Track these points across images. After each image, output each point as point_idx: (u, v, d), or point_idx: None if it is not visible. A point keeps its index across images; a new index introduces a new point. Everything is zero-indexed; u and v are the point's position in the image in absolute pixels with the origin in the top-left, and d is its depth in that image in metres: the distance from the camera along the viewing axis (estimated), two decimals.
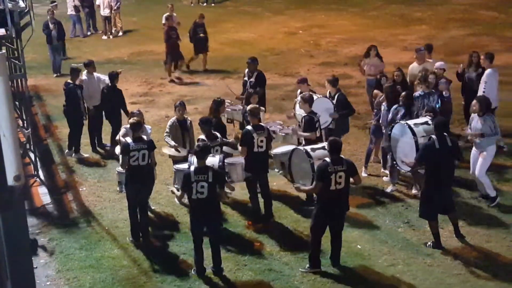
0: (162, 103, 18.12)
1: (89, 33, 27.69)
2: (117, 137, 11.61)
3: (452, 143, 9.91)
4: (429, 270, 9.54)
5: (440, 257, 9.85)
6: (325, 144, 10.05)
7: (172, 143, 11.60)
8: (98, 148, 14.72)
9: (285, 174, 11.51)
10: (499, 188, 12.02)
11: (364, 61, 15.50)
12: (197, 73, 21.02)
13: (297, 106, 12.46)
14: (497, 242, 10.25)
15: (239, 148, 11.03)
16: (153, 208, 11.66)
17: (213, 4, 33.33)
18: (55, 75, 21.23)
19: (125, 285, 9.50)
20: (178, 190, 9.93)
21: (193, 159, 9.74)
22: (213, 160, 9.77)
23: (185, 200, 10.05)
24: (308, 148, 10.51)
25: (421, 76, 13.04)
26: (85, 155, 14.39)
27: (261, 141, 10.84)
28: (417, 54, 14.67)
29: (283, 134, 12.18)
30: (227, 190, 10.44)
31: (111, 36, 27.22)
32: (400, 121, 11.22)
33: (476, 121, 11.07)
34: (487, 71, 13.62)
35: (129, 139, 10.38)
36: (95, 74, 14.94)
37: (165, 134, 11.79)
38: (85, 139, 14.76)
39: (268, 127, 11.41)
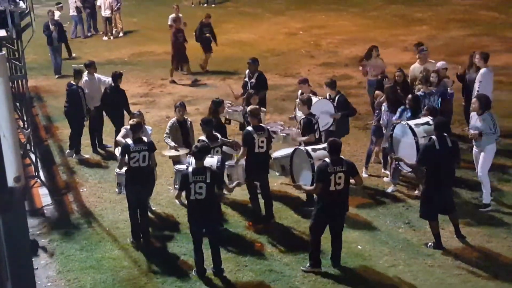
0: (162, 103, 18.12)
1: (89, 34, 27.72)
2: (117, 138, 11.60)
3: (452, 144, 9.91)
4: (430, 270, 9.54)
5: (441, 258, 9.85)
6: (325, 145, 10.04)
7: (172, 144, 11.60)
8: (98, 149, 14.72)
9: (286, 176, 11.50)
10: (500, 188, 12.03)
11: (366, 63, 15.47)
12: (198, 74, 20.99)
13: (297, 107, 12.46)
14: (498, 242, 10.24)
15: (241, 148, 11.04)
16: (153, 209, 11.66)
17: (213, 5, 33.34)
18: (56, 76, 21.23)
19: (125, 286, 9.50)
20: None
21: (191, 160, 9.75)
22: (211, 161, 9.77)
23: (183, 199, 10.04)
24: (309, 148, 10.51)
25: (422, 76, 13.05)
26: (86, 156, 14.39)
27: (262, 141, 10.85)
28: (420, 54, 14.64)
29: (284, 134, 12.17)
30: (225, 192, 10.46)
31: (111, 37, 27.24)
32: (401, 122, 11.23)
33: (475, 120, 11.07)
34: (482, 70, 13.63)
35: (129, 141, 10.37)
36: (96, 75, 14.94)
37: (165, 135, 11.79)
38: (85, 140, 14.77)
39: (268, 127, 11.41)
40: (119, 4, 27.37)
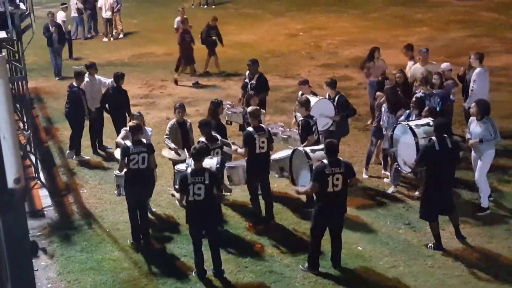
0: (162, 105, 18.13)
1: (89, 35, 27.74)
2: (116, 140, 11.59)
3: (452, 145, 9.91)
4: (430, 271, 9.54)
5: (441, 259, 9.84)
6: None
7: (172, 145, 11.59)
8: (99, 150, 14.72)
9: (285, 177, 11.50)
10: (500, 189, 12.02)
11: (368, 65, 15.45)
12: (199, 76, 20.99)
13: (296, 109, 12.47)
14: (498, 243, 10.24)
15: (242, 149, 11.04)
16: (153, 210, 11.66)
17: (213, 6, 33.35)
18: (57, 78, 21.23)
19: (126, 287, 9.50)
20: (177, 192, 9.91)
21: (190, 161, 9.75)
22: (210, 162, 9.77)
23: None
24: (308, 149, 10.53)
25: (422, 77, 13.04)
26: (86, 158, 14.39)
27: (263, 142, 10.85)
28: (420, 55, 14.65)
29: (285, 136, 12.17)
30: (225, 193, 10.46)
31: (111, 38, 27.25)
32: (401, 122, 11.23)
33: (474, 125, 10.99)
34: (477, 70, 13.65)
35: (128, 142, 10.37)
36: (96, 76, 14.95)
37: (165, 136, 11.79)
38: (86, 141, 14.77)
39: (269, 128, 11.42)
40: (119, 6, 27.40)
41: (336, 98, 12.67)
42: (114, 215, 11.67)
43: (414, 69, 14.62)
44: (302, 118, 11.49)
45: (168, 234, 10.93)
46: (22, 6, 12.78)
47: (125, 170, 10.38)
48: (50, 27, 21.21)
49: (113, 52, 24.95)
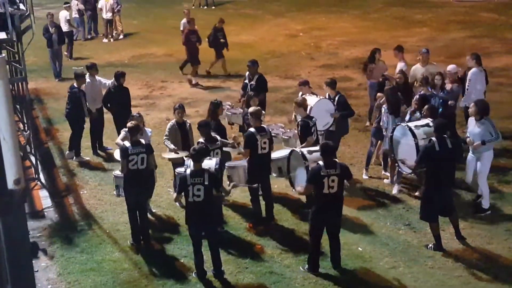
0: (163, 105, 18.13)
1: (89, 36, 27.74)
2: (116, 141, 11.59)
3: (452, 145, 9.90)
4: (430, 272, 9.53)
5: (441, 259, 9.84)
6: None
7: (172, 146, 11.59)
8: (99, 151, 14.72)
9: (283, 177, 11.49)
10: (500, 190, 12.02)
11: (370, 66, 15.45)
12: (202, 77, 20.99)
13: (294, 110, 12.46)
14: (499, 243, 10.24)
15: (242, 150, 11.04)
16: (154, 211, 11.66)
17: (213, 7, 33.37)
18: (56, 79, 21.22)
19: None
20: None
21: (190, 162, 9.75)
22: (209, 163, 9.77)
23: (183, 201, 10.06)
24: (304, 150, 10.56)
25: (422, 78, 13.05)
26: (86, 158, 14.39)
27: (264, 142, 10.86)
28: (421, 55, 14.66)
29: (286, 137, 12.18)
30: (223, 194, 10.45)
31: (111, 39, 27.25)
32: (401, 123, 11.23)
33: (473, 126, 10.96)
34: (472, 69, 13.71)
35: (127, 143, 10.37)
36: (97, 77, 14.95)
37: (165, 137, 11.78)
38: (86, 142, 14.77)
39: (270, 129, 11.42)
40: (119, 7, 27.41)
41: (336, 98, 12.67)
42: (114, 216, 11.67)
43: (414, 69, 14.62)
44: (301, 119, 11.48)
45: (168, 235, 10.93)
46: (22, 7, 12.78)
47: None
48: (50, 28, 21.18)
49: (113, 53, 24.95)
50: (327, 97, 12.76)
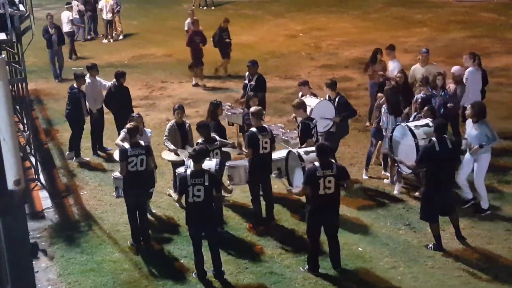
0: (162, 106, 18.13)
1: (89, 36, 27.73)
2: (116, 142, 11.59)
3: (452, 145, 9.91)
4: (430, 272, 9.53)
5: (441, 259, 9.84)
6: None
7: (172, 146, 11.59)
8: (99, 152, 14.72)
9: (283, 177, 11.49)
10: (500, 190, 12.02)
11: (373, 67, 15.44)
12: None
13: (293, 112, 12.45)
14: (499, 243, 10.24)
15: (245, 150, 11.03)
16: (154, 211, 11.66)
17: (213, 8, 33.37)
18: (56, 80, 21.22)
19: None
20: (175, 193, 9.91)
21: (190, 162, 9.75)
22: (209, 164, 9.77)
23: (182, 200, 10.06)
24: (301, 151, 10.57)
25: (422, 78, 13.04)
26: (86, 159, 14.39)
27: (266, 142, 10.86)
28: (420, 55, 14.67)
29: (286, 138, 12.18)
30: (224, 194, 10.45)
31: (111, 40, 27.25)
32: (401, 124, 11.23)
33: (470, 128, 10.95)
34: (469, 69, 13.76)
35: (126, 145, 10.36)
36: (97, 78, 14.95)
37: (165, 137, 11.78)
38: (85, 143, 14.78)
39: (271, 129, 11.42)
40: (118, 7, 27.42)
41: (337, 99, 12.65)
42: (114, 216, 11.67)
43: (414, 69, 14.63)
44: (301, 121, 11.46)
45: (168, 236, 10.93)
46: (21, 7, 12.78)
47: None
48: (50, 29, 21.16)
49: (113, 53, 24.95)
50: (327, 98, 12.74)
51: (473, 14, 29.18)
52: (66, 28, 23.98)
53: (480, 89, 13.95)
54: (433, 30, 26.52)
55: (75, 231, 11.28)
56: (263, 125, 11.13)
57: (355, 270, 9.70)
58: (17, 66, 14.07)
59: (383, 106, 12.25)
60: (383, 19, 29.43)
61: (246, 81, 14.69)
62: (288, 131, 12.57)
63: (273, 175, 11.43)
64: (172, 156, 11.62)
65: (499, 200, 11.62)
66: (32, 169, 13.33)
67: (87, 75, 14.72)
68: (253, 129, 10.91)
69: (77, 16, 26.74)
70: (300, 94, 13.30)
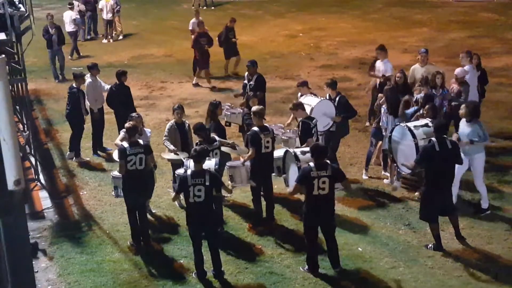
0: (162, 106, 18.13)
1: (89, 36, 27.74)
2: (115, 141, 11.59)
3: (452, 146, 9.91)
4: (430, 272, 9.53)
5: (441, 259, 9.84)
6: None
7: (172, 147, 11.58)
8: (99, 152, 14.72)
9: (281, 176, 11.49)
10: (500, 190, 12.03)
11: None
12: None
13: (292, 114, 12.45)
14: (498, 243, 10.24)
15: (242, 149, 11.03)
16: (154, 211, 11.66)
17: (213, 8, 33.38)
18: (56, 80, 21.21)
19: None
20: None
21: (190, 162, 9.74)
22: (209, 163, 9.78)
23: (182, 201, 10.05)
24: (298, 151, 10.58)
25: (422, 78, 13.05)
26: (86, 159, 14.39)
27: (268, 141, 10.86)
28: (420, 56, 14.67)
29: (286, 138, 12.18)
30: (224, 193, 10.45)
31: (111, 40, 27.26)
32: (400, 124, 11.22)
33: (463, 126, 10.95)
34: (465, 67, 13.77)
35: (125, 144, 10.36)
36: (98, 78, 14.96)
37: (164, 138, 11.77)
38: (85, 143, 14.78)
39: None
40: (118, 7, 27.43)
41: (337, 99, 12.65)
42: (114, 216, 11.67)
43: (413, 70, 14.63)
44: (302, 120, 11.45)
45: (168, 236, 10.93)
46: (21, 7, 12.77)
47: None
48: (50, 29, 21.16)
49: (113, 53, 24.95)
50: (327, 97, 12.74)
51: (473, 14, 29.19)
52: (69, 28, 24.02)
53: (476, 87, 13.99)
54: (433, 30, 26.52)
55: (75, 231, 11.27)
56: (265, 124, 11.13)
57: (355, 270, 9.70)
58: (17, 66, 14.06)
59: (383, 106, 12.25)
60: (383, 19, 29.43)
61: (246, 81, 14.69)
62: (288, 130, 12.57)
63: (273, 174, 11.43)
64: (172, 156, 11.62)
65: (499, 200, 11.63)
66: (32, 169, 13.33)
67: (88, 75, 14.74)
68: (255, 128, 10.90)
69: (78, 16, 26.76)
70: (299, 94, 13.31)
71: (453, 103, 12.88)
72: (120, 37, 27.67)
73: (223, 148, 11.17)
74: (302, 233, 10.68)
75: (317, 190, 9.10)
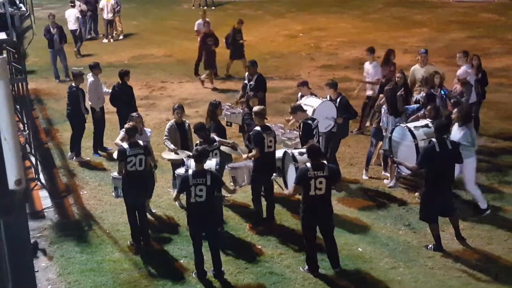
0: (162, 106, 18.13)
1: (89, 36, 27.73)
2: (115, 141, 11.59)
3: (452, 146, 9.91)
4: (430, 272, 9.54)
5: (441, 260, 9.84)
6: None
7: (172, 146, 11.58)
8: (99, 152, 14.73)
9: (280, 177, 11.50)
10: (501, 190, 12.03)
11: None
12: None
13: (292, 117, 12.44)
14: (498, 244, 10.24)
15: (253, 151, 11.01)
16: (154, 211, 11.66)
17: (213, 8, 33.38)
18: (57, 80, 21.21)
19: None
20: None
21: (191, 162, 9.74)
22: (210, 163, 9.78)
23: (183, 201, 10.04)
24: (296, 152, 10.58)
25: (422, 78, 13.05)
26: (86, 159, 14.40)
27: (270, 141, 10.86)
28: (419, 56, 14.69)
29: (285, 138, 12.18)
30: (225, 194, 10.44)
31: (111, 40, 27.26)
32: (400, 124, 11.23)
33: (455, 130, 10.96)
34: (462, 67, 13.80)
35: (125, 145, 10.36)
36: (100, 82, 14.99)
37: (165, 137, 11.78)
38: (86, 142, 14.78)
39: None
40: (118, 7, 27.43)
41: (338, 100, 12.63)
42: (114, 216, 11.67)
43: (413, 70, 14.65)
44: (303, 121, 11.43)
45: (168, 235, 10.93)
46: (22, 7, 12.78)
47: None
48: (52, 29, 21.13)
49: (113, 53, 24.96)
50: (328, 98, 12.73)
51: (473, 15, 29.20)
52: (73, 26, 24.06)
53: (473, 87, 14.02)
54: (433, 31, 26.54)
55: (75, 230, 11.27)
56: (267, 124, 11.13)
57: (355, 270, 9.70)
58: (18, 65, 14.06)
59: (383, 106, 12.25)
60: (383, 19, 29.45)
61: (246, 81, 14.70)
62: (288, 131, 12.57)
63: (274, 174, 11.43)
64: (172, 156, 11.62)
65: (499, 201, 11.63)
66: (32, 169, 13.33)
67: (90, 74, 14.75)
68: (258, 128, 10.89)
69: (79, 16, 26.77)
70: (299, 94, 13.30)
71: (452, 100, 12.90)
72: (121, 37, 27.68)
73: (223, 148, 11.18)
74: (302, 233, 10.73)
75: (314, 190, 9.11)
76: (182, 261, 10.11)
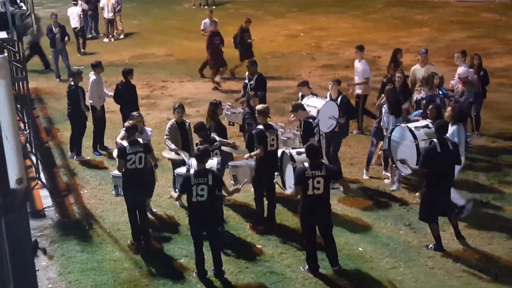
0: (163, 105, 18.14)
1: (90, 35, 27.73)
2: (116, 140, 11.60)
3: (453, 146, 9.91)
4: (431, 272, 9.54)
5: (442, 260, 9.84)
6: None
7: (173, 146, 11.58)
8: (99, 150, 14.73)
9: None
10: (501, 190, 12.03)
11: (399, 74, 15.44)
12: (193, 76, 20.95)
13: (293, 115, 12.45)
14: (499, 244, 10.25)
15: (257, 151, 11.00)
16: (154, 210, 11.66)
17: (214, 7, 33.35)
18: (57, 79, 21.21)
19: (126, 287, 9.50)
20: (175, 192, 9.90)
21: (192, 162, 9.73)
22: (211, 163, 9.78)
23: (184, 201, 10.05)
24: (294, 151, 10.59)
25: (423, 78, 13.06)
26: (87, 158, 14.40)
27: (273, 139, 10.86)
28: (420, 56, 14.69)
29: (285, 138, 12.18)
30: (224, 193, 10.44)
31: (112, 39, 27.27)
32: (401, 124, 11.22)
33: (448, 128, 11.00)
34: (461, 67, 13.84)
35: (125, 143, 10.37)
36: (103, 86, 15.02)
37: (165, 136, 11.77)
38: (86, 141, 14.78)
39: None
40: (119, 6, 27.43)
41: (339, 99, 12.64)
42: (115, 215, 11.67)
43: (414, 70, 14.65)
44: (304, 120, 11.43)
45: (169, 235, 10.93)
46: (23, 6, 12.78)
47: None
48: (54, 29, 21.13)
49: (114, 52, 24.97)
50: (328, 97, 12.73)
51: (473, 15, 29.19)
52: (77, 24, 24.07)
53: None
54: (433, 31, 26.53)
55: (75, 229, 11.28)
56: (269, 122, 11.14)
57: (355, 270, 9.70)
58: (18, 64, 14.07)
59: (384, 106, 12.26)
60: (384, 19, 29.44)
61: (246, 81, 14.71)
62: (288, 130, 12.57)
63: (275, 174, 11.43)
64: (172, 155, 11.62)
65: (499, 201, 11.63)
66: (33, 168, 13.34)
67: (92, 72, 14.77)
68: (260, 126, 10.88)
69: (81, 14, 26.79)
70: (300, 94, 13.31)
71: (450, 98, 12.93)
72: (121, 36, 27.68)
73: (224, 148, 11.17)
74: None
75: (312, 190, 9.11)
76: (182, 261, 10.11)
